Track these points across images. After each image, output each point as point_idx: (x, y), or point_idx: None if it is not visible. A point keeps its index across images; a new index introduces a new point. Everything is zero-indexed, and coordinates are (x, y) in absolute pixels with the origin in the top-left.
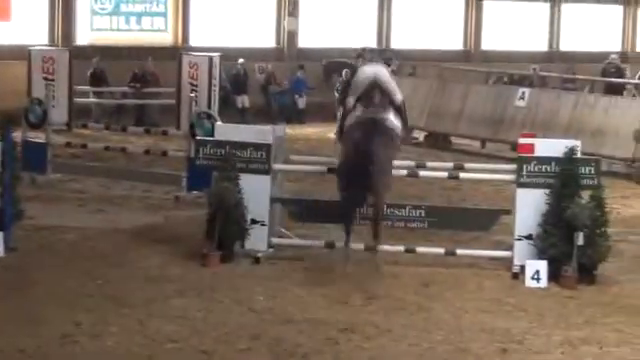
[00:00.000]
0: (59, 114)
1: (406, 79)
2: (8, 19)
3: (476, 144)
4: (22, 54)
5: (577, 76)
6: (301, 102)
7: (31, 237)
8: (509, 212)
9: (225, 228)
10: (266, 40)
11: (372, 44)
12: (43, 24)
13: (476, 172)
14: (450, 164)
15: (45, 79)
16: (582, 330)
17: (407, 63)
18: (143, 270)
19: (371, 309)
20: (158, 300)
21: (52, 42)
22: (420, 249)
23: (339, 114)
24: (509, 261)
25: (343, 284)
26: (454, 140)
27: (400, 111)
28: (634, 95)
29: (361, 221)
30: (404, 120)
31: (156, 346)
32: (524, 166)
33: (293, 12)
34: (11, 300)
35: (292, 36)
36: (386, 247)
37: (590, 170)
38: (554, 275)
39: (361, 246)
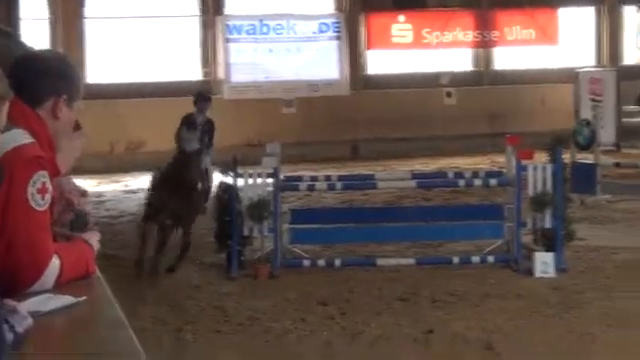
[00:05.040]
0: (607, 135)
1: None
2: (556, 43)
3: None
4: (569, 76)
5: None
6: None
7: (581, 258)
8: None
9: None
10: None
11: None
12: (590, 46)
13: None
14: None
15: (592, 100)
16: None
17: None
18: None
19: None
20: None
21: (599, 63)
22: None
23: None
24: None
25: None
26: None
27: None
28: None
29: None
30: None
31: None
32: None
33: None
34: (562, 320)
35: None
36: None
37: None
38: None
39: None
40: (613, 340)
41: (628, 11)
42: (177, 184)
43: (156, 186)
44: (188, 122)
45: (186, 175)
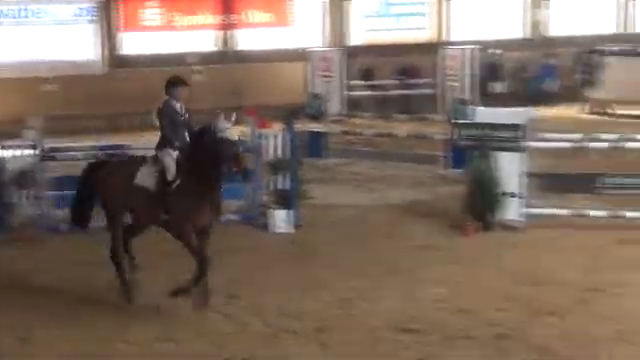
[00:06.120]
0: (335, 106)
1: None
2: (290, 25)
3: None
4: (300, 56)
5: None
6: (550, 86)
7: (314, 214)
8: None
9: (482, 202)
10: (517, 31)
11: (612, 29)
12: (321, 28)
13: None
14: None
15: (323, 76)
16: None
17: None
18: (410, 240)
19: (619, 270)
20: (424, 266)
21: (327, 44)
22: None
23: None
24: None
25: (591, 249)
26: None
27: None
28: None
29: None
30: None
31: (423, 306)
32: None
33: (539, 4)
34: (298, 269)
35: (540, 26)
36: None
37: None
38: None
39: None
40: (341, 286)
41: None
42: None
43: None
44: (172, 112)
45: None
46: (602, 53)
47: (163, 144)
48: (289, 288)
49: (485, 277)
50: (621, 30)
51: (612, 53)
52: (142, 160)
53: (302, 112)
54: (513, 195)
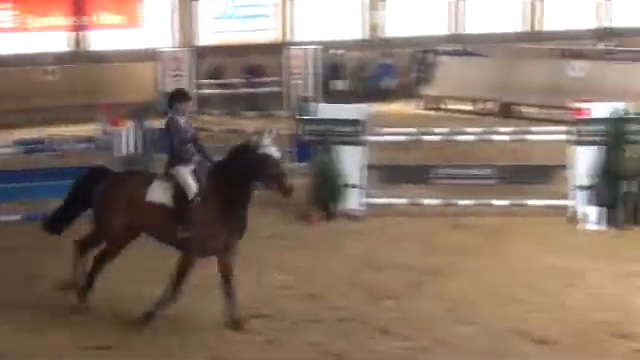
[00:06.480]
0: None
1: (478, 59)
2: (140, 26)
3: (537, 110)
4: (151, 56)
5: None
6: (388, 84)
7: None
8: (565, 167)
9: (326, 193)
10: (357, 32)
11: (445, 30)
12: (167, 29)
13: (538, 134)
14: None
15: (173, 75)
16: (633, 264)
17: (481, 45)
18: (258, 230)
19: (451, 255)
20: (272, 255)
21: (176, 44)
22: (494, 202)
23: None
24: (566, 208)
25: (426, 236)
26: (522, 108)
27: None
28: None
29: None
30: None
31: (272, 293)
32: (580, 127)
33: (377, 6)
34: (151, 260)
35: (378, 28)
36: (462, 202)
37: (638, 128)
38: (607, 219)
39: None
40: (191, 275)
41: None
42: None
43: None
44: (179, 128)
45: None
46: (436, 53)
47: (175, 161)
48: (143, 279)
49: (329, 264)
50: (453, 31)
51: (445, 53)
52: (151, 176)
53: (153, 109)
54: (354, 186)
